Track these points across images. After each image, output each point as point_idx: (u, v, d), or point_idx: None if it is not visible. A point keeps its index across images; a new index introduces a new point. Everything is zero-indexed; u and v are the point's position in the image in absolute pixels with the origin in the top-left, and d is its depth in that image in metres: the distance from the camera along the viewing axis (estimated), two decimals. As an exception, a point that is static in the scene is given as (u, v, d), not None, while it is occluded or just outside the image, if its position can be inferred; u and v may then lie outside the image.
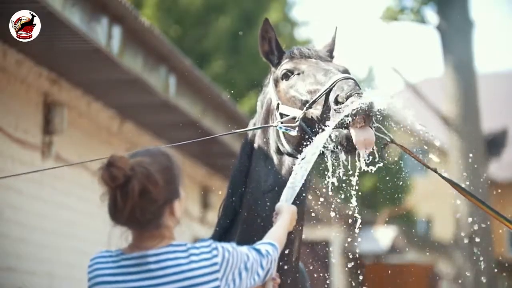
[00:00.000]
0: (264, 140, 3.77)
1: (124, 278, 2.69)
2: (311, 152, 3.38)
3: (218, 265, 2.71)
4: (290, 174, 3.50)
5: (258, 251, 2.89)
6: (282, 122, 3.59)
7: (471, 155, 14.12)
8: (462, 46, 14.62)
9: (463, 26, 14.59)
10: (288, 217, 3.17)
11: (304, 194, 3.63)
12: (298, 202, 3.48)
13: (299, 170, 3.39)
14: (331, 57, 3.85)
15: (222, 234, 3.81)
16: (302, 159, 3.39)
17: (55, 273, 7.43)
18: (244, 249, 2.84)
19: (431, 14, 15.32)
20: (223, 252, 2.74)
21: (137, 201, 2.65)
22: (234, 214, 3.79)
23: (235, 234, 3.72)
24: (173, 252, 2.69)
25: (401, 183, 25.73)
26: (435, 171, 3.62)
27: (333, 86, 3.41)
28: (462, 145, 14.33)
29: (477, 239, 13.79)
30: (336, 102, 3.34)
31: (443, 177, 3.60)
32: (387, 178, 24.28)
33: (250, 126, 3.92)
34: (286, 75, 3.69)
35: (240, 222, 3.71)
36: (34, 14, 4.78)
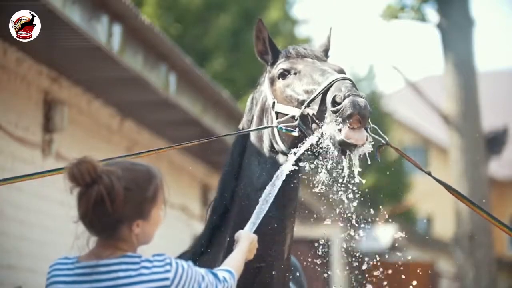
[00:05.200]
0: (258, 137, 3.78)
1: (76, 286, 2.69)
2: (278, 179, 3.42)
3: (169, 280, 2.68)
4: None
5: (215, 275, 2.86)
6: (280, 123, 3.60)
7: (471, 153, 14.12)
8: (463, 44, 14.60)
9: (463, 24, 14.56)
10: (247, 245, 3.12)
11: (294, 185, 3.67)
12: (290, 198, 3.53)
13: (265, 198, 3.40)
14: (327, 56, 3.87)
15: (212, 231, 3.82)
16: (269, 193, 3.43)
17: (55, 271, 7.42)
18: (202, 270, 2.81)
19: (431, 12, 15.31)
20: (177, 268, 2.71)
21: (90, 208, 2.67)
22: (225, 212, 3.79)
23: (225, 232, 3.72)
24: (125, 264, 2.68)
25: (402, 181, 25.75)
26: (429, 174, 3.62)
27: (331, 86, 3.42)
28: (462, 143, 14.32)
29: (478, 237, 13.79)
30: (334, 102, 3.35)
31: (437, 180, 3.61)
32: (388, 176, 24.32)
33: (243, 122, 3.94)
34: (283, 75, 3.70)
35: (231, 219, 3.72)
36: (34, 14, 4.76)
